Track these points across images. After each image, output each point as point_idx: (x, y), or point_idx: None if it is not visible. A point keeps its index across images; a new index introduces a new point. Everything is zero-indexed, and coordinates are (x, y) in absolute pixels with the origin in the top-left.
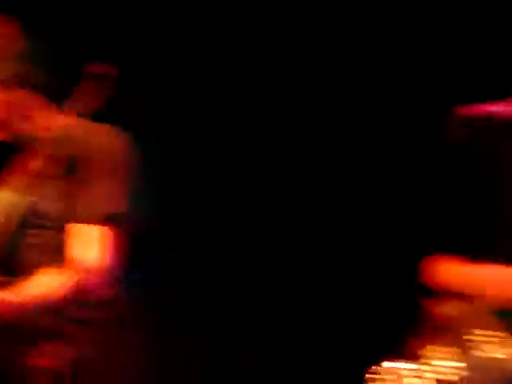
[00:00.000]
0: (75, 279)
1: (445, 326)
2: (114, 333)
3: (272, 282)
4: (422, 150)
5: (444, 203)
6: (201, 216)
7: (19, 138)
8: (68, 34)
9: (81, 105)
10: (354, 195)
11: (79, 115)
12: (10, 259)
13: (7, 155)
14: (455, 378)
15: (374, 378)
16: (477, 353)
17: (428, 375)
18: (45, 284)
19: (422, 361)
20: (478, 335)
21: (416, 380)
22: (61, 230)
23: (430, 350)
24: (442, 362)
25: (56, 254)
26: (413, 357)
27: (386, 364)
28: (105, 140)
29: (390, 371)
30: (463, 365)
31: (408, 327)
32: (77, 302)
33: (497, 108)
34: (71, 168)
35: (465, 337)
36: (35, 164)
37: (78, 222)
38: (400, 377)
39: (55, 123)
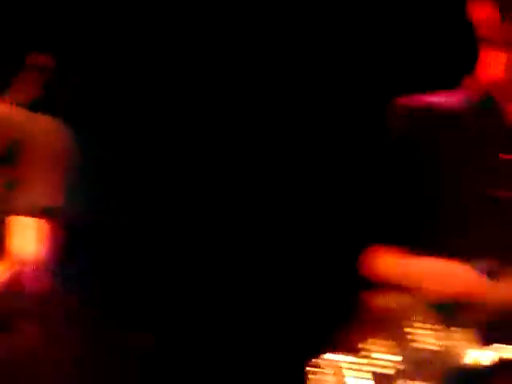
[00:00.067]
0: (11, 271)
1: (383, 318)
2: (49, 327)
3: (208, 275)
4: (363, 140)
5: (384, 194)
6: (137, 212)
7: None
8: (7, 25)
9: (20, 95)
10: (294, 186)
11: (18, 105)
12: None
13: None
14: (393, 370)
15: (315, 371)
16: (415, 345)
17: (366, 368)
18: None
19: (362, 353)
20: (416, 328)
21: (355, 373)
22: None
23: (369, 342)
24: (381, 355)
25: None
26: (352, 349)
27: (326, 356)
28: (44, 130)
29: (331, 364)
30: (401, 357)
31: (347, 320)
32: (12, 294)
33: (437, 98)
34: (9, 157)
35: (403, 329)
36: None
37: (16, 214)
38: (340, 369)
39: None
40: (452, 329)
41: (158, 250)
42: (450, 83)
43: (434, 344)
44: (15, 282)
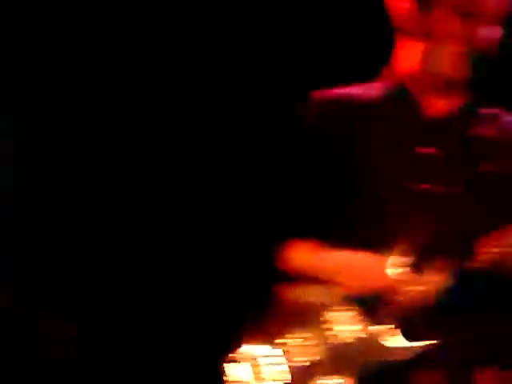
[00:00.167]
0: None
1: (300, 311)
2: None
3: (129, 272)
4: (278, 134)
5: (299, 188)
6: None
7: None
8: None
9: None
10: (208, 181)
11: None
12: None
13: None
14: (309, 363)
15: (231, 364)
16: (332, 338)
17: (283, 360)
18: None
19: (278, 346)
20: (334, 321)
21: (272, 365)
22: None
23: (285, 335)
24: (298, 348)
25: None
26: (269, 342)
27: (243, 349)
28: None
29: (247, 356)
30: (318, 350)
31: (264, 313)
32: None
33: (351, 91)
34: None
35: (320, 322)
36: None
37: None
38: (257, 362)
39: None
40: (369, 322)
41: (81, 241)
42: (366, 75)
43: (350, 337)
44: None
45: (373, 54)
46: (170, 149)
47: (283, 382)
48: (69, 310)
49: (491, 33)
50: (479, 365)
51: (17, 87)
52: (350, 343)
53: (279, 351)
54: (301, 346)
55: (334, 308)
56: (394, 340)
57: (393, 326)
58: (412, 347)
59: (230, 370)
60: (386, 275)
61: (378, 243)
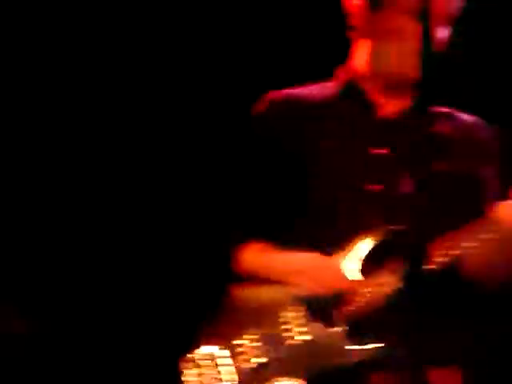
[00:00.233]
0: None
1: (252, 311)
2: None
3: (86, 270)
4: (230, 134)
5: (251, 188)
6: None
7: None
8: None
9: None
10: (160, 182)
11: None
12: None
13: None
14: (261, 363)
15: (189, 365)
16: (283, 339)
17: (234, 361)
18: None
19: (231, 346)
20: (285, 322)
21: (226, 366)
22: None
23: (238, 335)
24: (249, 348)
25: None
26: (222, 342)
27: (199, 350)
28: None
29: (205, 357)
30: (269, 351)
31: (218, 313)
32: None
33: (302, 90)
34: None
35: (271, 323)
36: None
37: None
38: (211, 362)
39: None
40: (321, 323)
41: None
42: (319, 74)
43: (302, 339)
44: None
45: (326, 53)
46: (126, 149)
47: (234, 383)
48: (20, 307)
49: (441, 33)
50: (433, 365)
51: None
52: (301, 345)
53: (230, 352)
54: (253, 347)
55: (286, 309)
56: (346, 342)
57: (345, 327)
58: (364, 349)
59: (185, 371)
60: (338, 276)
61: (330, 243)
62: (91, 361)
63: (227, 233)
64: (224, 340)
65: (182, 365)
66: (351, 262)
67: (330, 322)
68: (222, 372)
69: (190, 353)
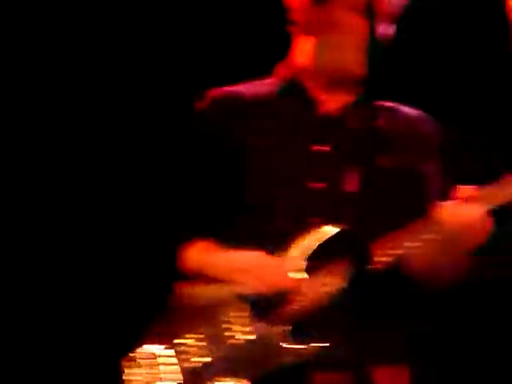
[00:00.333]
0: None
1: (196, 310)
2: None
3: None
4: (171, 133)
5: (192, 186)
6: None
7: None
8: None
9: None
10: (103, 181)
11: None
12: None
13: None
14: (205, 363)
15: (130, 364)
16: (227, 339)
17: (178, 360)
18: None
19: (174, 345)
20: (229, 321)
21: (169, 365)
22: None
23: (182, 334)
24: (193, 347)
25: None
26: (166, 341)
27: (142, 349)
28: None
29: (146, 356)
30: (213, 350)
31: (161, 312)
32: None
33: (243, 87)
34: None
35: (215, 322)
36: None
37: None
38: (154, 361)
39: None
40: (264, 323)
41: None
42: (261, 71)
43: (245, 338)
44: None
45: (267, 50)
46: (67, 146)
47: (176, 383)
48: None
49: (385, 29)
50: (378, 364)
51: None
52: (244, 344)
53: (173, 351)
54: (197, 347)
55: (230, 308)
56: (290, 341)
57: (288, 326)
58: (308, 348)
59: (126, 370)
60: (282, 275)
61: (269, 241)
62: (31, 359)
63: (171, 231)
64: (168, 339)
65: (124, 364)
66: (295, 260)
67: (273, 322)
68: (165, 371)
69: (132, 352)
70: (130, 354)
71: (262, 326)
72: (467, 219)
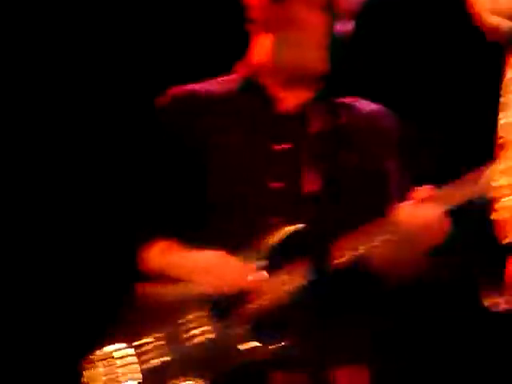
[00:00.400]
0: None
1: (157, 310)
2: None
3: None
4: (132, 130)
5: (150, 185)
6: None
7: None
8: None
9: None
10: (64, 179)
11: None
12: None
13: None
14: (164, 363)
15: (89, 365)
16: (185, 338)
17: (138, 360)
18: None
19: (134, 345)
20: (189, 321)
21: (128, 365)
22: None
23: (141, 334)
24: (153, 347)
25: None
26: (125, 341)
27: (101, 350)
28: None
29: (106, 356)
30: (172, 350)
31: (121, 312)
32: None
33: (201, 86)
34: None
35: (175, 322)
36: None
37: None
38: (113, 362)
39: None
40: (224, 323)
41: None
42: (220, 69)
43: (205, 338)
44: None
45: (226, 48)
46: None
47: (136, 383)
48: None
49: (345, 26)
50: (337, 363)
51: None
52: (204, 344)
53: (133, 351)
54: (156, 347)
55: (189, 308)
56: (249, 341)
57: (247, 326)
58: (267, 348)
59: (85, 371)
60: (242, 274)
61: (232, 241)
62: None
63: (132, 230)
64: (128, 339)
65: (82, 365)
66: (255, 259)
67: (233, 321)
68: (124, 372)
69: (91, 353)
70: (89, 356)
71: (221, 326)
72: (424, 220)
